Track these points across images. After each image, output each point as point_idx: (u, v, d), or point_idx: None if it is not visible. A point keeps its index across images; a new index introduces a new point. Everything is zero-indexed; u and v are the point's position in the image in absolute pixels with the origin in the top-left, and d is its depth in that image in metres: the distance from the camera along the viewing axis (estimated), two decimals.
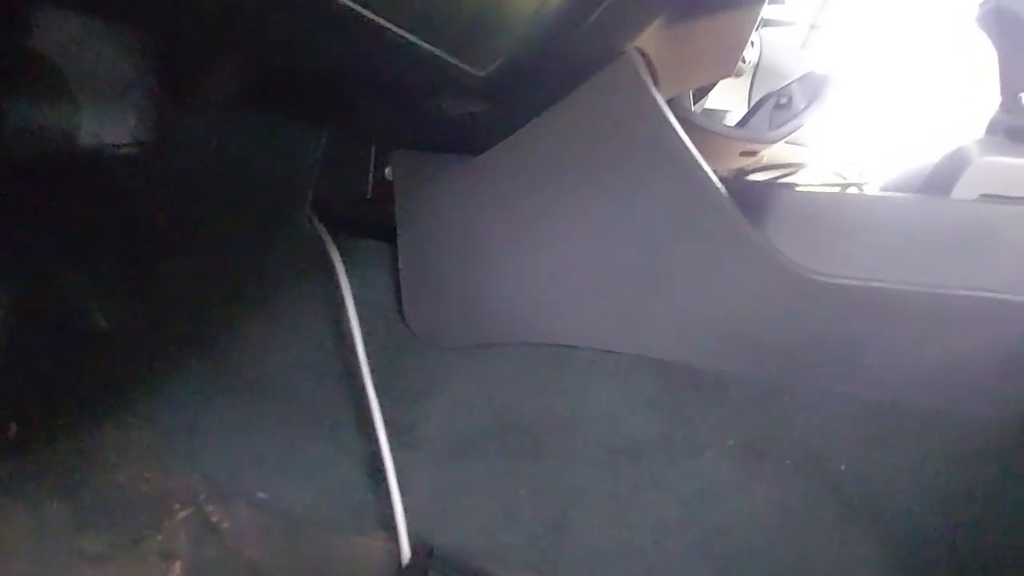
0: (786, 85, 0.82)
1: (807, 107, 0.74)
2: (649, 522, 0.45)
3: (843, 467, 0.44)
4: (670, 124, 0.42)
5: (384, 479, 0.45)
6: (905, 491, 0.44)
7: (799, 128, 0.74)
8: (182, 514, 0.45)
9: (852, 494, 0.44)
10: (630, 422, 0.46)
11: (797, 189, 0.48)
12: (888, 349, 0.43)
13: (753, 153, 0.85)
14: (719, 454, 0.45)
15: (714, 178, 0.43)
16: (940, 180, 0.53)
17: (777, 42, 1.74)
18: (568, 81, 0.41)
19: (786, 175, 1.03)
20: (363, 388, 0.46)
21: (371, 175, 0.49)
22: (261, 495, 0.48)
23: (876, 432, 0.44)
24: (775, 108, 0.79)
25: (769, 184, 0.50)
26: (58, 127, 0.53)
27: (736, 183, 0.48)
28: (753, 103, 1.47)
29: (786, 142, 0.96)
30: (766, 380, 0.46)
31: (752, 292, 0.44)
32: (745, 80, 1.57)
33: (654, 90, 0.42)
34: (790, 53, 1.72)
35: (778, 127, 0.74)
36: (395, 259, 0.48)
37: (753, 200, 0.46)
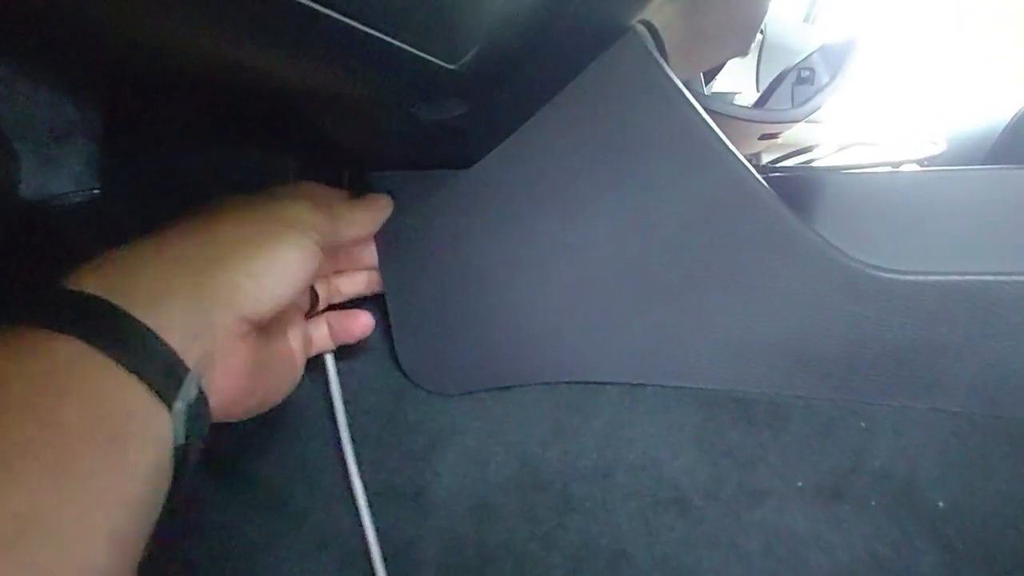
0: (806, 57, 0.75)
1: (832, 79, 0.67)
2: None
3: (940, 503, 0.36)
4: (691, 107, 0.35)
5: None
6: (1018, 525, 0.36)
7: (825, 102, 0.67)
8: None
9: (954, 535, 0.36)
10: (673, 467, 0.39)
11: (844, 172, 0.40)
12: (980, 353, 0.36)
13: (774, 136, 0.77)
14: (786, 499, 0.37)
15: (749, 167, 0.36)
16: (1012, 148, 0.46)
17: (781, 17, 1.66)
18: (560, 70, 0.34)
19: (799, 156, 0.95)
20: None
21: None
22: None
23: (974, 455, 0.37)
24: (797, 83, 0.72)
25: (810, 169, 0.43)
26: None
27: (771, 171, 0.41)
28: (763, 82, 1.39)
29: (804, 121, 0.89)
30: (832, 405, 0.38)
31: (807, 300, 0.37)
32: (750, 60, 1.50)
33: (668, 69, 0.35)
34: (796, 27, 1.64)
35: (802, 104, 0.66)
36: (382, 297, 0.41)
37: (794, 189, 0.39)
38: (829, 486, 0.37)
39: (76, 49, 0.43)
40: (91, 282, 0.24)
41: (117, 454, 0.21)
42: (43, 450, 0.19)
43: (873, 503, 0.36)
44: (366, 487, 0.41)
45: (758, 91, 1.40)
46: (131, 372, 0.22)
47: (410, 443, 0.42)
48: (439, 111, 0.30)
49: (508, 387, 0.41)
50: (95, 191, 0.48)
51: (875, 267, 0.36)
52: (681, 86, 0.35)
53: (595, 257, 0.38)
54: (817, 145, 0.84)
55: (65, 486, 0.19)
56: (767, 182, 0.36)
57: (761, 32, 1.40)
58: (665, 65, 0.35)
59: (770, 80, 1.11)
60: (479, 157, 0.37)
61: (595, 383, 0.40)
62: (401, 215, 0.39)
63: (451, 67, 0.25)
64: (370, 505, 0.41)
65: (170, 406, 0.24)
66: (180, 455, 0.24)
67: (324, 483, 0.42)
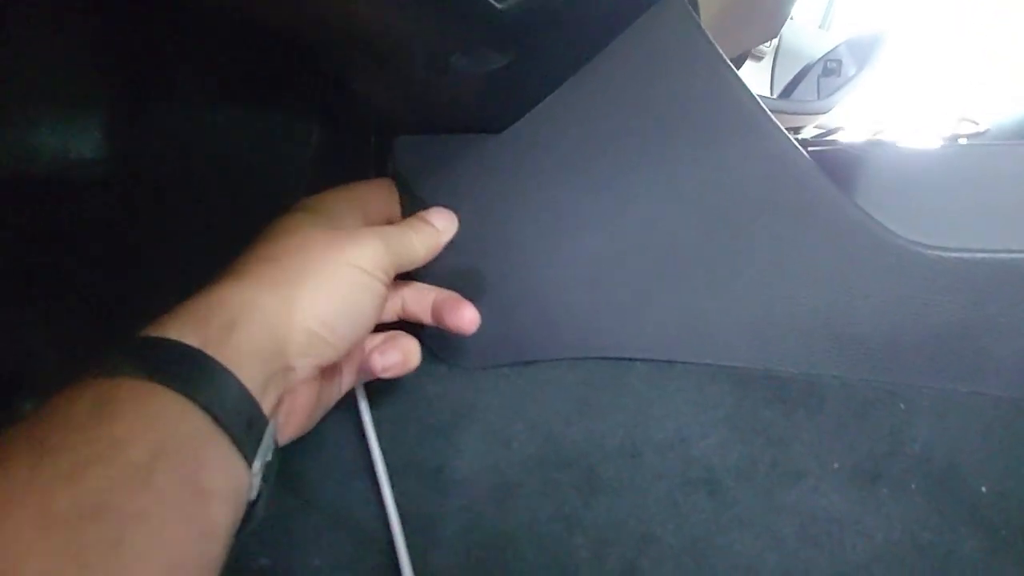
0: (832, 49, 0.74)
1: (859, 71, 0.66)
2: (740, 570, 0.36)
3: (983, 488, 0.35)
4: (733, 74, 0.34)
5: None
6: None
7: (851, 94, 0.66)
8: None
9: (997, 521, 0.35)
10: (704, 447, 0.38)
11: (888, 146, 0.39)
12: None
13: (797, 130, 0.77)
14: (822, 481, 0.36)
15: (791, 139, 0.35)
16: None
17: (796, 23, 1.66)
18: (601, 27, 0.33)
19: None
20: (363, 433, 0.38)
21: (371, 169, 0.42)
22: (263, 561, 0.40)
23: (1018, 440, 0.35)
24: (823, 75, 0.71)
25: (852, 143, 0.42)
26: (13, 147, 0.46)
27: (812, 144, 0.40)
28: (777, 86, 1.38)
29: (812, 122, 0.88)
30: (870, 386, 0.37)
31: (848, 276, 0.35)
32: (764, 64, 1.49)
33: (710, 35, 0.34)
34: (811, 33, 1.64)
35: (828, 96, 0.65)
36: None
37: (835, 163, 0.37)
38: (867, 468, 0.36)
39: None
40: (182, 330, 0.25)
41: (203, 514, 0.22)
42: (148, 519, 0.20)
43: (913, 486, 0.35)
44: (385, 462, 0.39)
45: (772, 95, 1.39)
46: (221, 428, 0.23)
47: (430, 418, 0.41)
48: (478, 62, 0.29)
49: (533, 362, 0.40)
50: (116, 157, 0.47)
51: (920, 244, 0.35)
52: (722, 53, 0.34)
53: (627, 228, 0.37)
54: (842, 128, 0.83)
55: (163, 557, 0.20)
56: (809, 155, 0.35)
57: (778, 35, 1.39)
58: (706, 31, 0.34)
59: (784, 85, 1.10)
60: (511, 121, 0.36)
61: (623, 359, 0.39)
62: (427, 181, 0.38)
63: (498, 6, 0.24)
64: (389, 481, 0.40)
65: (249, 463, 0.25)
66: (248, 510, 0.25)
67: (341, 458, 0.41)
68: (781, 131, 0.35)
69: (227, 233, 0.45)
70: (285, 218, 0.32)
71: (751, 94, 0.35)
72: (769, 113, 0.35)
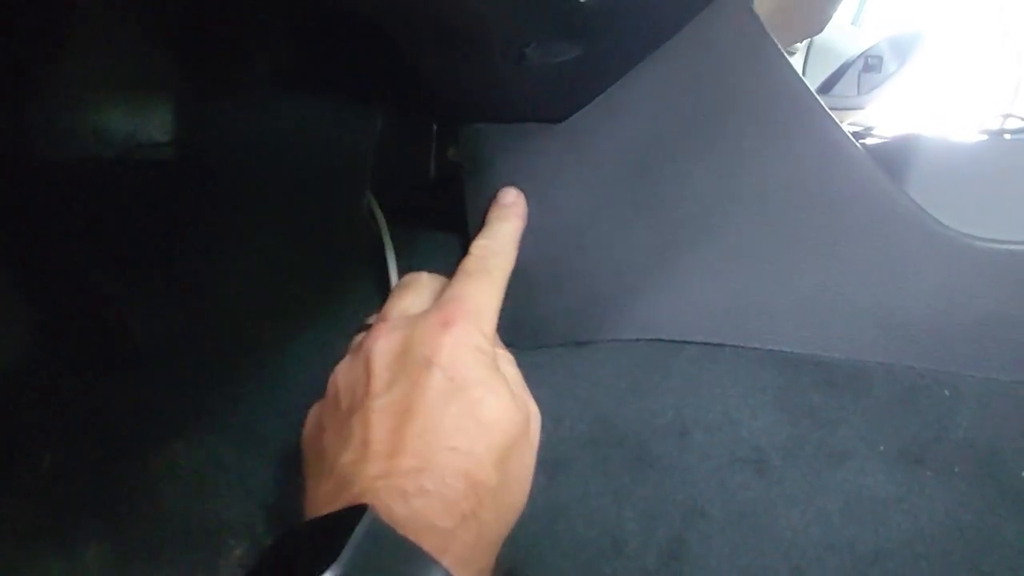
0: (873, 45, 0.74)
1: (900, 67, 0.66)
2: (784, 546, 0.37)
3: None
4: (790, 67, 0.35)
5: None
6: None
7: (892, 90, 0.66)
8: (238, 550, 0.39)
9: None
10: (752, 427, 0.39)
11: (940, 138, 0.40)
12: None
13: None
14: (867, 462, 0.37)
15: (846, 131, 0.36)
16: None
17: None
18: (671, 20, 0.34)
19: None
20: None
21: (433, 156, 0.43)
22: None
23: None
24: (864, 71, 0.71)
25: (903, 136, 0.43)
26: (88, 127, 0.48)
27: (865, 135, 0.41)
28: (810, 82, 1.38)
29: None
30: (915, 372, 0.38)
31: (897, 265, 0.37)
32: (796, 61, 1.49)
33: (767, 27, 0.35)
34: (843, 30, 1.63)
35: (868, 92, 0.66)
36: (463, 251, 0.42)
37: (888, 154, 0.38)
38: (912, 451, 0.37)
39: None
40: (434, 544, 0.23)
41: None
42: None
43: (956, 470, 0.36)
44: None
45: None
46: None
47: None
48: (552, 53, 0.31)
49: (584, 343, 0.42)
50: (185, 141, 0.49)
51: (970, 235, 0.36)
52: (779, 45, 0.36)
53: (680, 215, 0.39)
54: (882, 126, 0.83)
55: None
56: (862, 146, 0.36)
57: None
58: (764, 23, 0.35)
59: (816, 80, 1.10)
60: (573, 111, 0.38)
61: (673, 342, 0.40)
62: (489, 168, 0.40)
63: (581, 0, 0.26)
64: None
65: None
66: None
67: None
68: (835, 122, 0.36)
69: (291, 215, 0.47)
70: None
71: (807, 86, 0.36)
72: (824, 105, 0.36)
